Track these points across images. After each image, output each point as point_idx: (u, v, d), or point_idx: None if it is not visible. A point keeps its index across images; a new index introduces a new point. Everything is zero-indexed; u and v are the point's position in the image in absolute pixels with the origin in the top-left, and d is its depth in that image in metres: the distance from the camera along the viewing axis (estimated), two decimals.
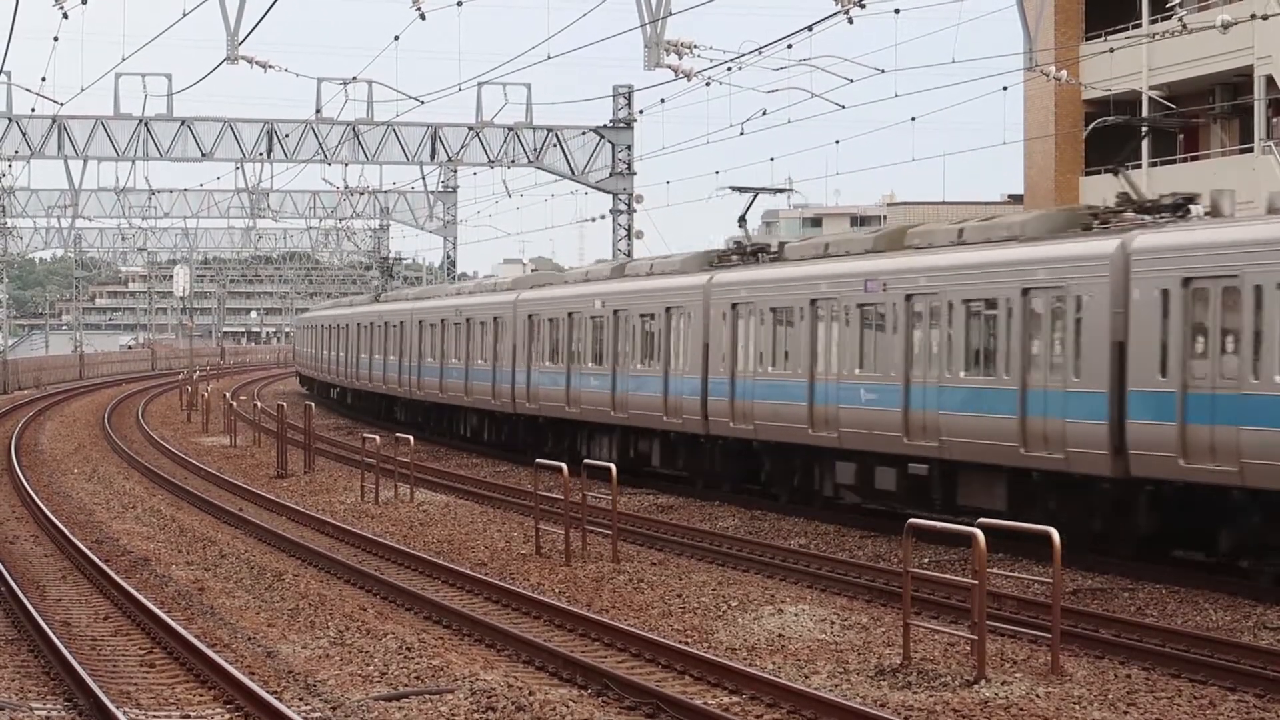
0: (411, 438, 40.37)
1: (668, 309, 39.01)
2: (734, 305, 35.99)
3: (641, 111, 65.41)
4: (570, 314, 44.42)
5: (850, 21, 33.05)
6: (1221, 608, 22.86)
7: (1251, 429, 23.30)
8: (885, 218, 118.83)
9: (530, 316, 47.38)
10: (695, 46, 37.95)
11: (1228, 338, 23.98)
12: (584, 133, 71.17)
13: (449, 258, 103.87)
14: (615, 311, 41.55)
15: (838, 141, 73.98)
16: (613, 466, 29.61)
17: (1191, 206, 27.18)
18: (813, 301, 33.21)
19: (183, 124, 70.14)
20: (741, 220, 40.44)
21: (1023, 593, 23.83)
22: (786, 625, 21.75)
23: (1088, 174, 58.19)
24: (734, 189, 41.07)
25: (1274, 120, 50.75)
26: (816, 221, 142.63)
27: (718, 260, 39.54)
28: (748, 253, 38.89)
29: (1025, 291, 27.78)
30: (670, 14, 36.96)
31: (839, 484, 32.83)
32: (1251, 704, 17.40)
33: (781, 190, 40.27)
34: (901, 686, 18.04)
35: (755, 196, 40.95)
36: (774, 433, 34.57)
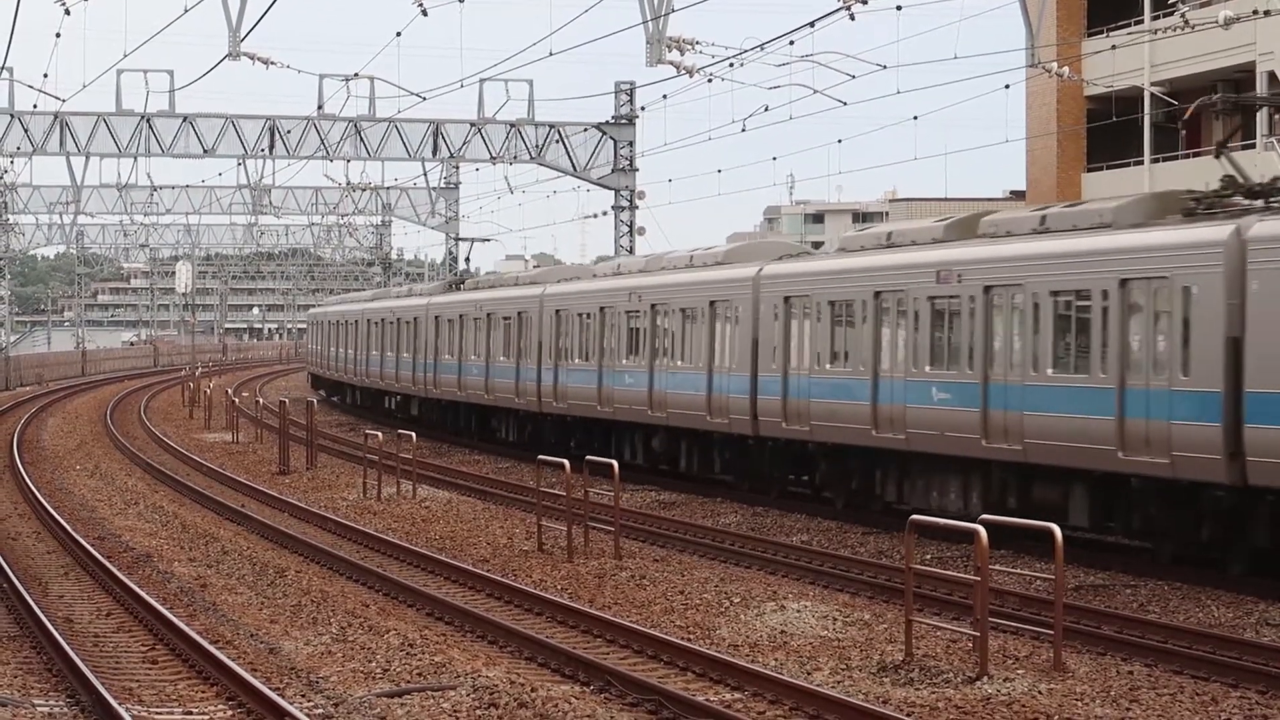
0: (414, 434, 40.35)
1: (1124, 282, 25.50)
2: None
3: (644, 108, 65.44)
4: (899, 293, 30.48)
5: (852, 18, 33.05)
6: (1224, 604, 22.85)
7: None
8: (888, 214, 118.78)
9: (788, 299, 33.75)
10: (697, 43, 37.98)
11: None
12: (586, 129, 71.21)
13: (451, 254, 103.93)
14: (984, 293, 28.39)
15: (840, 140, 74.04)
16: (614, 463, 29.48)
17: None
18: None
19: (185, 120, 70.15)
20: (1221, 147, 27.31)
21: (1025, 589, 23.83)
22: (789, 622, 21.75)
23: (1090, 170, 58.20)
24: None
25: (1276, 117, 50.74)
26: (819, 218, 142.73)
27: (1207, 204, 25.83)
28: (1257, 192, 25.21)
29: None
30: (672, 10, 36.98)
31: None
32: (1254, 701, 17.39)
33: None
34: (904, 683, 18.04)
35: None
36: None
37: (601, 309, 42.56)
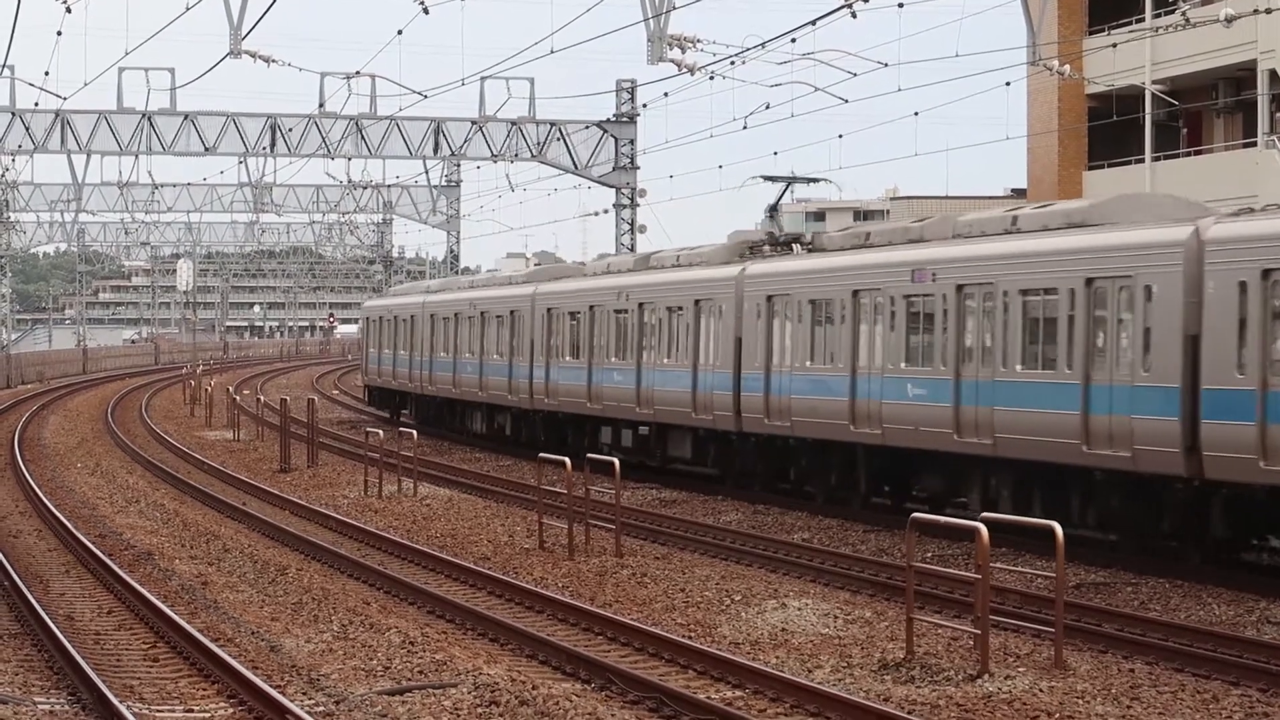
0: (415, 432, 40.35)
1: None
2: None
3: (645, 105, 65.43)
4: None
5: (854, 15, 33.06)
6: (1225, 602, 22.86)
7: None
8: (888, 212, 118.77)
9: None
10: (698, 41, 38.02)
11: None
12: (587, 127, 71.24)
13: (452, 252, 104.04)
14: None
15: (840, 135, 73.80)
16: (615, 461, 29.51)
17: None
18: None
19: (186, 118, 70.17)
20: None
21: (1026, 587, 23.84)
22: (790, 620, 21.76)
23: (1091, 168, 58.20)
24: None
25: (1277, 115, 50.72)
26: (820, 215, 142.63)
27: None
28: None
29: None
30: (673, 8, 37.01)
31: None
32: (1255, 698, 17.40)
33: None
34: (905, 681, 18.04)
35: None
36: None
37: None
